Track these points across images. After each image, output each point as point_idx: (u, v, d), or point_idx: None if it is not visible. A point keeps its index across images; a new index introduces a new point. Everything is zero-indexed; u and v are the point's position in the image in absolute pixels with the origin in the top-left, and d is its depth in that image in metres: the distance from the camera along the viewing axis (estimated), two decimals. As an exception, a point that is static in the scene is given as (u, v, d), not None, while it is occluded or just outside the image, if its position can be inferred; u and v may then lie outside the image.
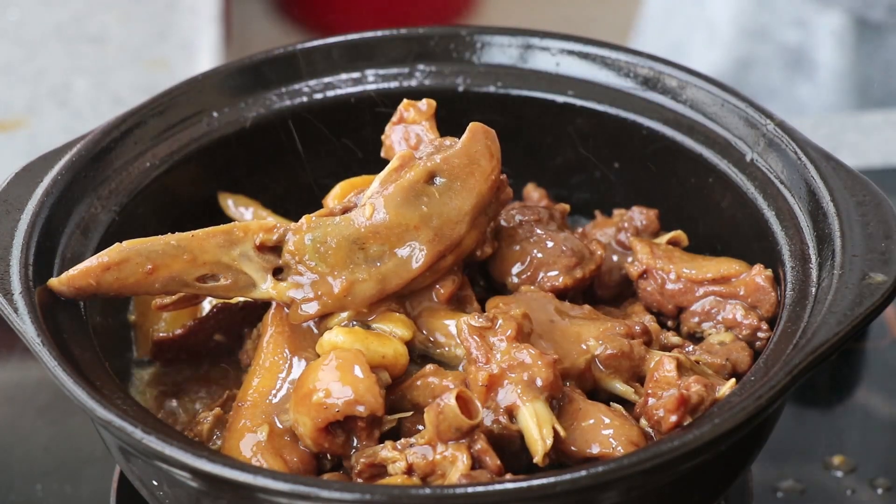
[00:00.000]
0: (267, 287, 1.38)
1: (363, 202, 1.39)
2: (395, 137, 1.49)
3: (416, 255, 1.37)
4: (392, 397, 1.35)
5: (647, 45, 2.51)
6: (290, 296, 1.38)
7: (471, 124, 1.41)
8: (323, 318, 1.39)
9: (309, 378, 1.32)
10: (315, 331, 1.39)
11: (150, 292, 1.38)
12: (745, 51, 2.37)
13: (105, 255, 1.36)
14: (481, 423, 1.29)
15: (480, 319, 1.34)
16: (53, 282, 1.38)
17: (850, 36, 2.30)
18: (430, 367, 1.36)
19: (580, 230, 1.54)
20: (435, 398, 1.31)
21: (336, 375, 1.31)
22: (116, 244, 1.37)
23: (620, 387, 1.37)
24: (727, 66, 2.36)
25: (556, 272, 1.45)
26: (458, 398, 1.28)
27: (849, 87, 2.33)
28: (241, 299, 1.46)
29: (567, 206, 1.52)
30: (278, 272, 1.39)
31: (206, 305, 1.49)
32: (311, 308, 1.37)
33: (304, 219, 1.39)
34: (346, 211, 1.40)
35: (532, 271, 1.46)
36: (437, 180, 1.39)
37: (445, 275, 1.40)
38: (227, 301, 1.47)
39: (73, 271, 1.37)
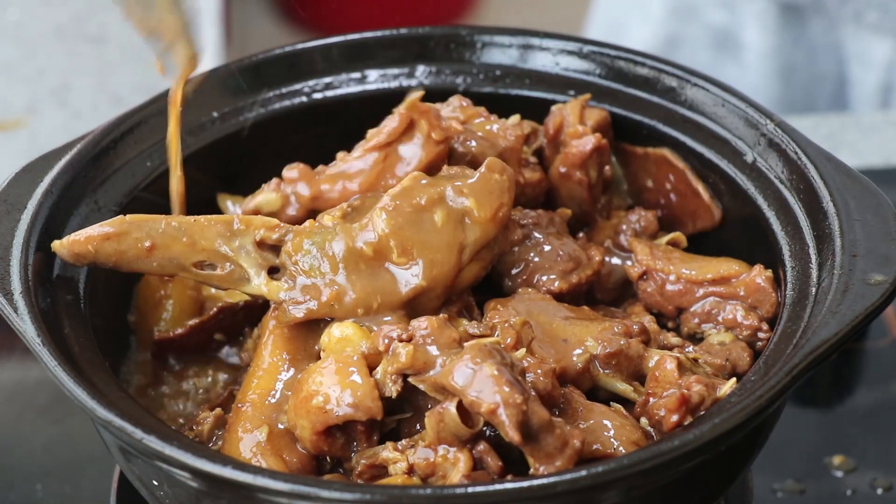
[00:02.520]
0: (259, 283, 1.39)
1: (368, 215, 1.38)
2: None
3: (409, 278, 1.37)
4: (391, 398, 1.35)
5: (594, 24, 2.54)
6: (281, 296, 1.38)
7: (489, 159, 1.40)
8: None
9: (307, 381, 1.32)
10: (318, 326, 1.39)
11: (148, 270, 1.39)
12: (674, 29, 2.39)
13: (108, 225, 1.38)
14: (481, 431, 1.29)
15: (480, 327, 1.34)
16: (56, 244, 1.39)
17: (773, 19, 2.31)
18: (429, 368, 1.36)
19: (581, 235, 1.53)
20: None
21: (335, 380, 1.31)
22: (120, 216, 1.38)
23: (620, 385, 1.37)
24: (657, 43, 2.38)
25: (552, 276, 1.45)
26: (459, 405, 1.27)
27: (774, 70, 2.34)
28: (242, 300, 1.47)
29: (568, 212, 1.51)
30: (274, 271, 1.39)
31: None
32: (299, 311, 1.37)
33: (308, 222, 1.39)
34: (345, 216, 1.39)
35: (528, 274, 1.46)
36: (446, 207, 1.38)
37: (446, 304, 1.40)
38: (228, 301, 1.47)
39: (74, 235, 1.38)
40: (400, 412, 1.34)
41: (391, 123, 1.43)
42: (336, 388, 1.30)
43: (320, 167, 1.46)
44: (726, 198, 1.52)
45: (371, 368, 1.33)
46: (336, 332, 1.36)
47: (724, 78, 2.33)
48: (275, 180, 1.46)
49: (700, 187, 1.54)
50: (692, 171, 1.54)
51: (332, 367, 1.32)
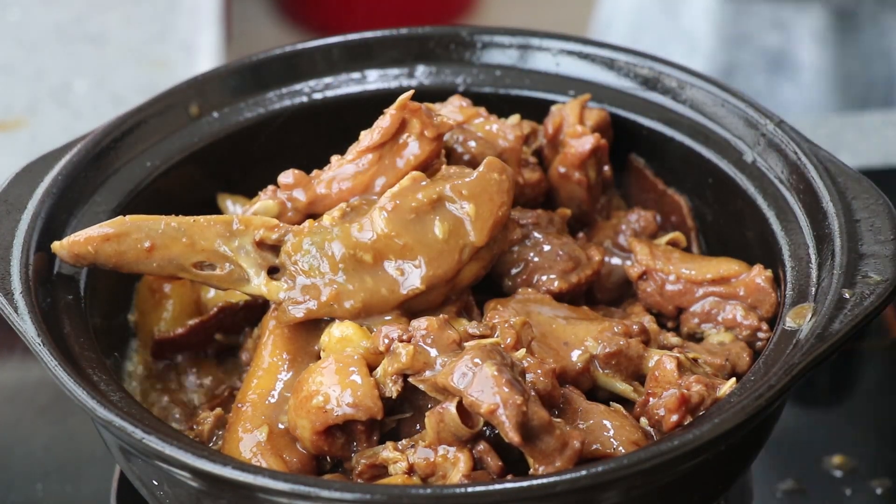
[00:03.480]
0: (259, 283, 1.39)
1: (368, 215, 1.38)
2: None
3: (408, 278, 1.37)
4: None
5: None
6: (280, 296, 1.38)
7: (487, 158, 1.40)
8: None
9: (308, 381, 1.32)
10: (318, 326, 1.39)
11: (148, 271, 1.39)
12: (727, 58, 2.39)
13: (107, 226, 1.38)
14: (481, 431, 1.29)
15: (480, 327, 1.34)
16: (56, 245, 1.39)
17: (829, 33, 2.32)
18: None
19: (581, 235, 1.53)
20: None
21: (335, 379, 1.31)
22: (120, 217, 1.38)
23: (620, 385, 1.37)
24: (710, 74, 2.38)
25: (551, 276, 1.45)
26: (459, 406, 1.27)
27: (831, 85, 2.35)
28: (242, 300, 1.47)
29: (568, 211, 1.51)
30: (274, 271, 1.39)
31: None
32: (298, 311, 1.37)
33: (307, 222, 1.39)
34: (345, 216, 1.40)
35: (528, 274, 1.46)
36: (446, 207, 1.38)
37: (445, 303, 1.40)
38: (228, 302, 1.47)
39: (74, 236, 1.38)
40: (400, 412, 1.34)
41: (383, 124, 1.43)
42: (336, 387, 1.31)
43: (315, 171, 1.46)
44: (726, 197, 1.52)
45: (371, 368, 1.33)
46: (336, 332, 1.36)
47: (781, 100, 2.35)
48: (271, 187, 1.46)
49: (659, 182, 1.55)
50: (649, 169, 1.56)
51: (332, 367, 1.32)
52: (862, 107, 2.37)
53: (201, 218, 1.39)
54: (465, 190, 1.38)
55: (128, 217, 1.38)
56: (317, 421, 1.31)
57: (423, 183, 1.39)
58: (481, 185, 1.39)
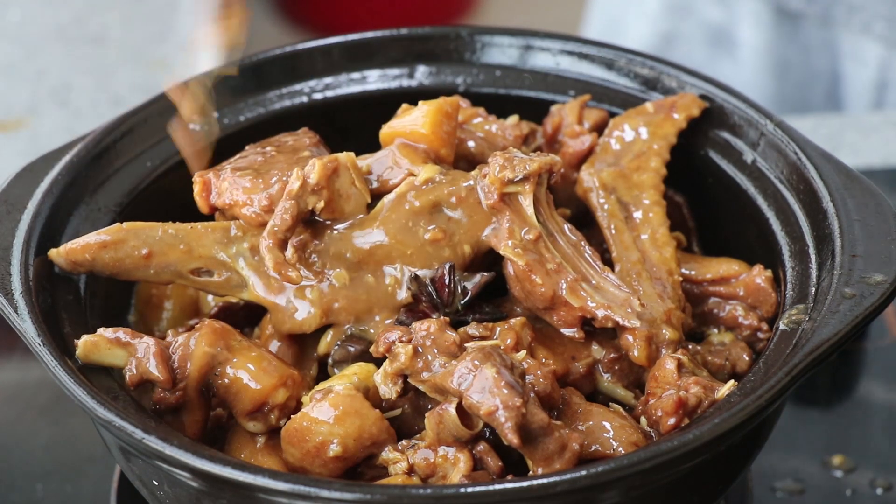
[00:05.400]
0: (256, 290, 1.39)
1: (366, 219, 1.38)
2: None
3: (407, 282, 1.37)
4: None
5: (591, 22, 2.54)
6: (276, 302, 1.38)
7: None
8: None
9: (313, 432, 1.29)
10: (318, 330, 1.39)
11: (146, 278, 1.39)
12: (670, 26, 2.39)
13: (104, 233, 1.37)
14: (481, 432, 1.29)
15: (480, 328, 1.34)
16: (52, 252, 1.39)
17: (768, 17, 2.31)
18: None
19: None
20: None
21: (344, 425, 1.29)
22: (117, 224, 1.38)
23: (622, 391, 1.37)
24: (653, 40, 2.39)
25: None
26: (459, 407, 1.27)
27: (769, 67, 2.34)
28: (243, 300, 1.47)
29: (567, 211, 1.51)
30: None
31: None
32: (297, 317, 1.37)
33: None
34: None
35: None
36: (444, 212, 1.38)
37: None
38: (228, 301, 1.47)
39: (71, 244, 1.38)
40: (401, 412, 1.34)
41: None
42: (349, 435, 1.29)
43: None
44: (726, 198, 1.52)
45: (367, 390, 1.32)
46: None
47: (720, 75, 2.35)
48: None
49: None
50: None
51: (334, 414, 1.29)
52: (802, 97, 2.37)
53: (199, 224, 1.39)
54: (462, 194, 1.38)
55: (125, 224, 1.38)
56: (337, 468, 1.30)
57: (419, 190, 1.38)
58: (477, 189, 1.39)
